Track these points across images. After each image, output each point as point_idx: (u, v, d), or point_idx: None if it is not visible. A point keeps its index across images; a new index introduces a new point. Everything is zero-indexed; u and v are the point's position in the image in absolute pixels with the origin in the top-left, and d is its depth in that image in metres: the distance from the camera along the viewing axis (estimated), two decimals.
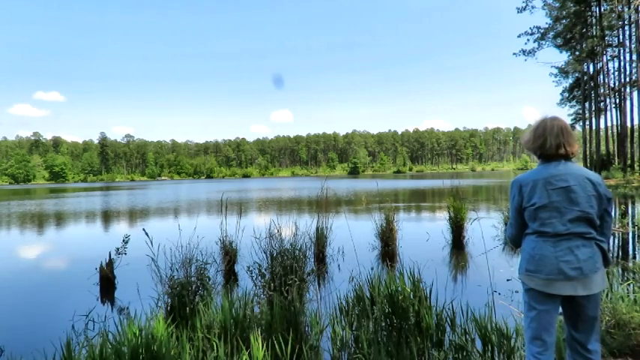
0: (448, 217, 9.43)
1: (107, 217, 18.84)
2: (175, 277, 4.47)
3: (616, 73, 38.14)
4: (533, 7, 37.78)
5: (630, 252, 7.94)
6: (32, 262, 9.18)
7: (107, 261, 6.66)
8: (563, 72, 41.90)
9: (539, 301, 2.22)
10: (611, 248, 8.25)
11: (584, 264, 2.15)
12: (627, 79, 35.33)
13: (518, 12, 38.11)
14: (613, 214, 12.72)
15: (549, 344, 2.22)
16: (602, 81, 38.51)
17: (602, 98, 39.02)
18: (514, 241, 2.44)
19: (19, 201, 33.15)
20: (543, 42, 39.86)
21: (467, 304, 3.74)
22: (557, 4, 38.08)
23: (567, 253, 2.16)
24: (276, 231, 5.09)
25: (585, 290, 2.15)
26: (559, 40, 40.14)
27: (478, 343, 3.32)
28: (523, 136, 2.48)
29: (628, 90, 35.39)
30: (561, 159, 2.28)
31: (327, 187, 8.93)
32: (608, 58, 38.43)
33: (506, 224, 9.85)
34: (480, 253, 7.45)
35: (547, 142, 2.28)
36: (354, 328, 3.62)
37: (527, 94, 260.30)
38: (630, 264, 6.09)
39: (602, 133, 39.98)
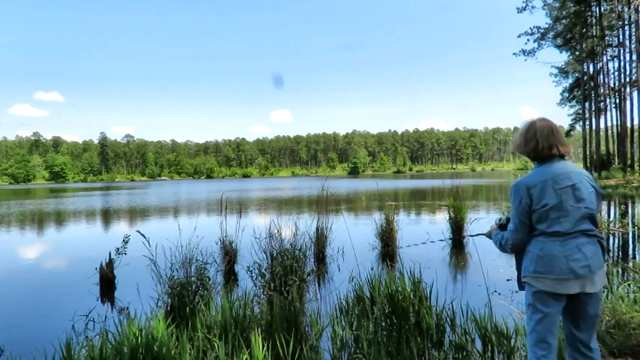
0: (448, 217, 9.43)
1: (107, 216, 18.84)
2: (175, 277, 4.46)
3: (616, 73, 38.16)
4: (533, 7, 37.74)
5: (630, 252, 7.93)
6: (32, 262, 9.17)
7: (107, 261, 6.66)
8: (563, 72, 41.88)
9: (546, 304, 2.18)
10: (611, 248, 8.25)
11: (591, 261, 2.15)
12: (627, 79, 35.31)
13: (518, 12, 38.07)
14: (613, 214, 12.74)
15: (554, 346, 2.20)
16: (602, 81, 38.48)
17: (602, 98, 39.00)
18: (518, 246, 2.31)
19: (19, 201, 33.14)
20: (543, 42, 39.82)
21: (467, 304, 3.74)
22: (557, 4, 38.05)
23: (576, 252, 2.14)
24: (276, 231, 5.08)
25: (592, 287, 2.15)
26: (559, 40, 40.10)
27: (478, 343, 3.32)
28: (513, 140, 2.45)
29: (628, 90, 35.36)
30: (555, 158, 2.27)
31: (327, 187, 8.92)
32: (608, 58, 38.43)
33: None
34: (481, 253, 7.44)
35: (539, 144, 2.27)
36: (354, 328, 3.62)
37: (527, 94, 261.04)
38: (630, 264, 6.08)
39: (602, 133, 39.95)
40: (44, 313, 5.54)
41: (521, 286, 2.34)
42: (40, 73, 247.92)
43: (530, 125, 2.34)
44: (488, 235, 2.62)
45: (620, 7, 33.80)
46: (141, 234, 4.47)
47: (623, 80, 36.21)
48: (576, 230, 2.17)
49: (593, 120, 39.12)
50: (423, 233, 10.31)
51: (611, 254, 7.66)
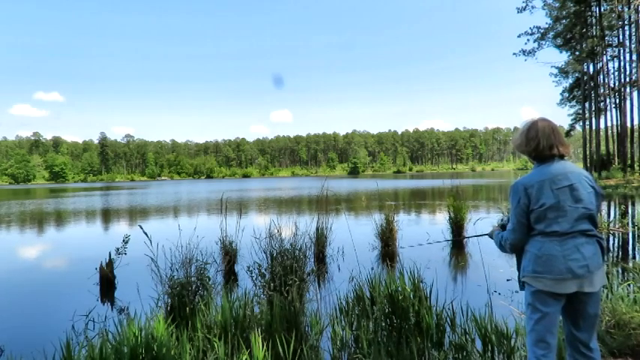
0: (448, 217, 9.43)
1: (107, 217, 18.83)
2: (175, 277, 4.46)
3: (616, 73, 38.13)
4: (533, 7, 37.73)
5: (630, 252, 7.93)
6: (32, 261, 9.17)
7: (107, 261, 6.66)
8: (563, 72, 41.86)
9: (545, 303, 2.18)
10: (611, 248, 8.25)
11: (589, 261, 2.15)
12: (627, 79, 35.29)
13: (518, 12, 38.07)
14: (613, 214, 12.73)
15: (553, 346, 2.20)
16: (602, 81, 38.47)
17: (602, 98, 38.98)
18: (517, 246, 2.33)
19: (19, 201, 33.13)
20: (543, 42, 39.82)
21: (467, 304, 3.74)
22: (557, 4, 38.04)
23: (574, 252, 2.15)
24: (276, 231, 5.08)
25: (591, 287, 2.16)
26: (559, 40, 40.09)
27: (478, 343, 3.32)
28: (514, 140, 2.45)
29: (628, 90, 35.34)
30: (555, 158, 2.28)
31: (327, 187, 8.92)
32: (608, 58, 38.40)
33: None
34: (481, 253, 7.44)
35: (540, 144, 2.28)
36: (354, 328, 3.62)
37: (527, 94, 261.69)
38: (630, 264, 6.08)
39: (602, 133, 39.95)
40: (44, 313, 5.54)
41: (522, 285, 2.34)
42: (40, 73, 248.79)
43: (531, 125, 2.35)
44: (491, 235, 2.64)
45: (620, 7, 33.79)
46: (142, 230, 4.47)
47: (623, 80, 36.20)
48: (575, 230, 2.17)
49: (593, 120, 39.12)
50: (423, 233, 10.30)
51: (611, 254, 7.66)
